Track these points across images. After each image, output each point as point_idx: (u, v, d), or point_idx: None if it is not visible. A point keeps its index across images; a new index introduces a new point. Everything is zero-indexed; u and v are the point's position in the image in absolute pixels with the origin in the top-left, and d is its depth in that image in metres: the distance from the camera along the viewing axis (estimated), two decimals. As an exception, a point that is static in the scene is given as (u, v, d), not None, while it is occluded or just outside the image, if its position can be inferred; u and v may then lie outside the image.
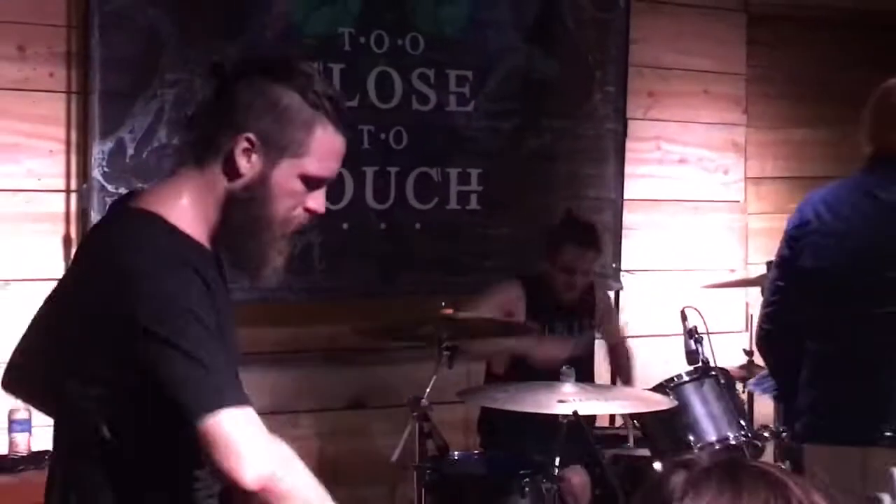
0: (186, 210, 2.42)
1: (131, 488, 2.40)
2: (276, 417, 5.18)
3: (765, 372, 4.86)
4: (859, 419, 3.62)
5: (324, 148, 2.44)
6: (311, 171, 2.44)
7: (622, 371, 5.58)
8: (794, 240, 3.81)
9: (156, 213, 2.40)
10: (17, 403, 4.46)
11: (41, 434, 4.58)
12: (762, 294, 6.50)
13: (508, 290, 5.20)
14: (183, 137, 2.48)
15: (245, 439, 2.28)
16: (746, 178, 6.47)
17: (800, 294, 3.80)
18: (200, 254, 2.43)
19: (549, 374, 4.39)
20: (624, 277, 5.93)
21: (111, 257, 2.38)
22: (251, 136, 2.39)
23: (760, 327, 3.96)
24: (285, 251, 2.51)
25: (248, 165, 2.41)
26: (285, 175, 2.42)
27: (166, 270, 2.33)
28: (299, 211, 2.48)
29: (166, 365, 2.29)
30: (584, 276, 5.22)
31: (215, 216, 2.45)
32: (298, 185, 2.45)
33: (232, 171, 2.41)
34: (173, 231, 2.39)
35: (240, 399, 2.33)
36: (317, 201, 2.48)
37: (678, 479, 1.58)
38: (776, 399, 4.65)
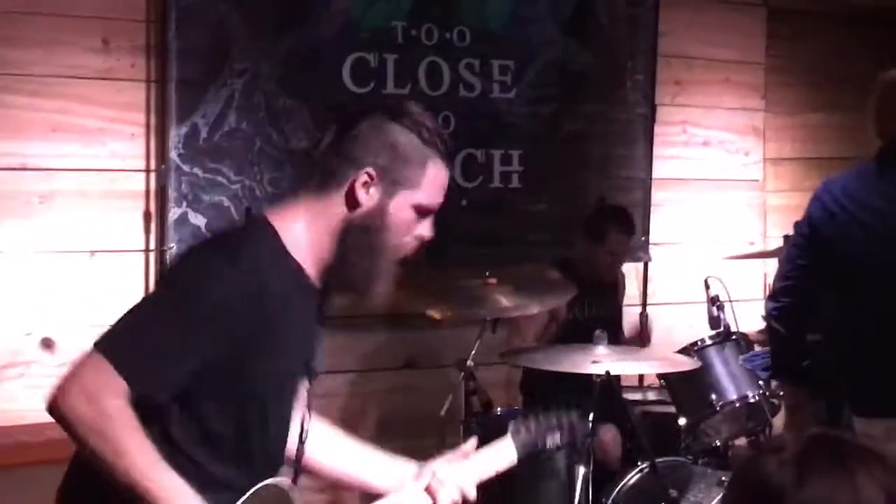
0: (300, 235, 2.48)
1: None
2: (338, 377, 5.27)
3: (757, 350, 4.87)
4: None
5: (435, 181, 2.51)
6: (423, 202, 2.51)
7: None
8: (817, 227, 3.73)
9: (273, 224, 2.48)
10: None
11: (124, 390, 4.69)
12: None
13: (552, 280, 5.15)
14: (305, 169, 2.54)
15: (94, 384, 2.30)
16: (765, 159, 6.48)
17: (829, 277, 3.74)
18: (290, 275, 2.46)
19: (583, 338, 4.44)
20: (652, 249, 5.97)
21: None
22: (371, 170, 2.45)
23: (776, 299, 3.89)
24: (395, 274, 2.56)
25: (367, 197, 2.45)
26: (400, 206, 2.48)
27: (230, 262, 2.37)
28: (410, 238, 2.55)
29: (139, 302, 2.45)
30: (623, 257, 5.29)
31: (328, 242, 2.49)
32: (411, 215, 2.51)
33: (352, 202, 2.46)
34: (276, 247, 2.45)
35: (126, 366, 2.30)
36: (426, 229, 2.56)
37: (783, 469, 1.54)
38: (770, 377, 4.59)
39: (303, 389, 2.65)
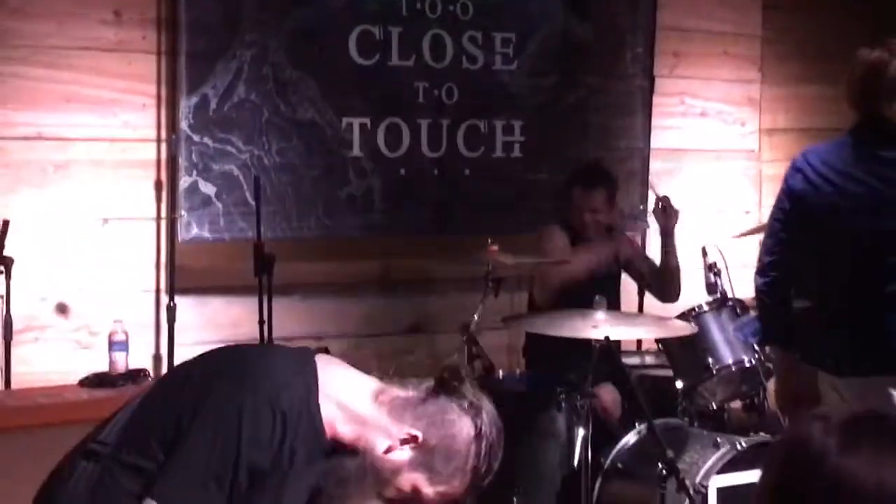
0: (336, 403, 2.42)
1: None
2: (342, 341, 5.29)
3: (745, 319, 4.85)
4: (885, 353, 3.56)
5: (448, 490, 2.42)
6: (424, 494, 2.42)
7: (665, 285, 5.41)
8: (801, 199, 3.68)
9: (318, 369, 2.44)
10: (117, 326, 4.60)
11: (136, 354, 4.70)
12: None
13: (552, 236, 5.18)
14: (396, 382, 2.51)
15: None
16: (761, 130, 6.47)
17: (813, 246, 3.71)
18: (310, 422, 2.40)
19: (586, 304, 4.43)
20: (650, 218, 5.96)
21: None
22: (420, 437, 2.39)
23: (765, 274, 3.84)
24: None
25: (398, 451, 2.40)
26: (409, 480, 2.41)
27: (260, 383, 2.38)
28: (395, 500, 2.45)
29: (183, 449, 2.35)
30: (594, 215, 5.18)
31: (348, 435, 2.43)
32: (407, 491, 2.42)
33: (386, 444, 2.40)
34: (311, 395, 2.39)
35: None
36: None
37: (827, 434, 1.50)
38: (760, 343, 4.59)
39: None
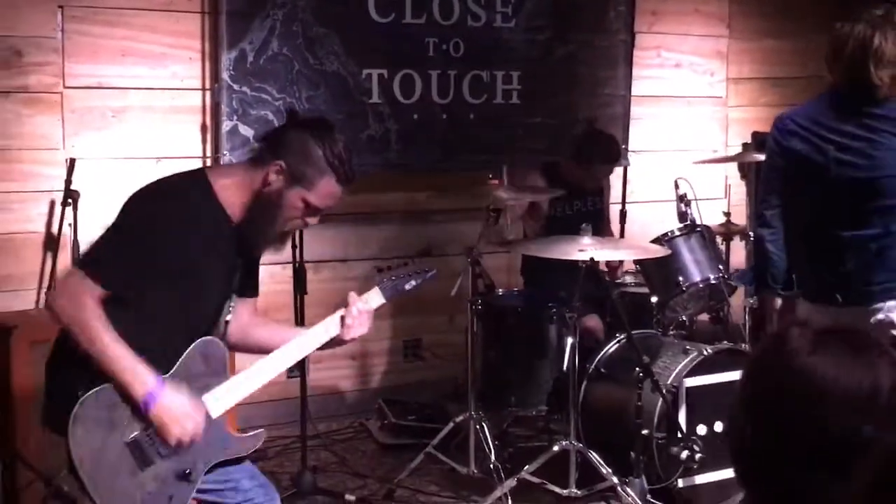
0: (229, 187, 2.80)
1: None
2: (361, 263, 5.31)
3: (743, 269, 4.84)
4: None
5: (324, 190, 2.79)
6: (311, 201, 2.80)
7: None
8: (803, 157, 3.56)
9: (208, 176, 2.83)
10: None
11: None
12: (739, 170, 6.52)
13: (533, 178, 5.14)
14: (255, 143, 2.97)
15: (73, 289, 2.69)
16: (728, 79, 6.42)
17: (816, 199, 3.60)
18: (215, 213, 2.78)
19: (570, 231, 4.42)
20: (631, 156, 5.94)
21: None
22: (282, 163, 2.76)
23: (769, 225, 3.70)
24: (281, 242, 2.92)
25: (274, 179, 2.77)
26: (293, 197, 2.78)
27: (172, 195, 2.78)
28: (297, 221, 2.85)
29: (104, 232, 2.78)
30: (599, 181, 5.26)
31: (245, 200, 2.80)
32: (300, 205, 2.80)
33: (265, 182, 2.78)
34: (210, 190, 2.78)
35: (101, 276, 2.67)
36: (311, 220, 2.85)
37: (801, 337, 1.46)
38: (758, 291, 4.55)
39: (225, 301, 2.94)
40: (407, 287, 3.16)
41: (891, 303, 3.50)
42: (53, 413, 2.76)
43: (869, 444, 1.35)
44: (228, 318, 2.92)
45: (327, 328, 2.97)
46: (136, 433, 2.69)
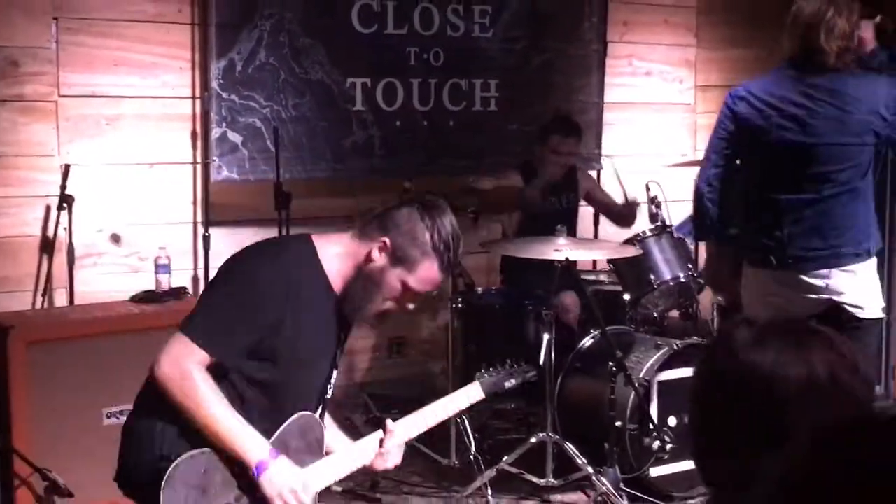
0: (333, 257, 2.64)
1: None
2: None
3: (682, 220, 4.89)
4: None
5: (424, 274, 2.63)
6: (410, 284, 2.63)
7: (624, 218, 5.33)
8: (748, 121, 3.67)
9: (314, 243, 2.65)
10: (161, 252, 4.58)
11: (178, 275, 4.70)
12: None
13: (512, 177, 5.14)
14: (363, 217, 2.76)
15: (179, 355, 2.50)
16: (696, 87, 6.43)
17: (755, 161, 3.71)
18: (317, 281, 2.62)
19: (547, 230, 4.42)
20: (604, 160, 5.94)
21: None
22: (387, 240, 2.61)
23: (709, 183, 3.79)
24: (378, 321, 2.74)
25: (377, 257, 2.61)
26: (393, 277, 2.62)
27: (271, 259, 2.60)
28: (393, 303, 2.67)
29: (206, 293, 2.68)
30: (568, 157, 5.18)
31: (348, 272, 2.64)
32: (399, 287, 2.64)
33: (368, 256, 2.62)
34: (314, 257, 2.62)
35: (203, 339, 2.50)
36: (407, 304, 2.68)
37: (745, 332, 1.47)
38: (696, 239, 4.64)
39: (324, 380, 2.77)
40: (507, 385, 3.10)
41: (835, 273, 3.52)
42: (135, 475, 2.60)
43: (806, 428, 1.35)
44: (329, 395, 2.76)
45: (364, 452, 2.76)
46: (227, 502, 2.54)
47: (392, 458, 2.77)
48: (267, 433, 2.57)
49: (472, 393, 2.98)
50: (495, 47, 5.56)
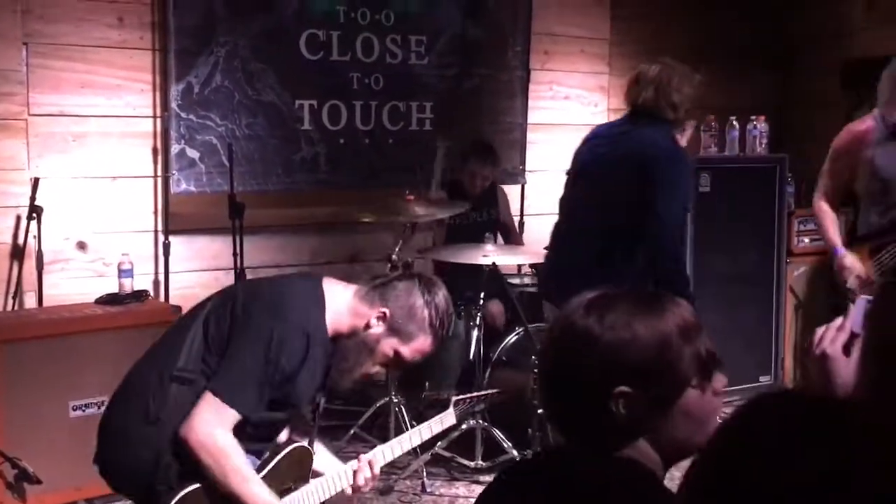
0: (335, 311, 2.56)
1: None
2: (300, 268, 5.25)
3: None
4: None
5: (419, 347, 2.60)
6: (403, 354, 2.60)
7: (512, 239, 5.49)
8: (583, 164, 3.78)
9: (323, 288, 2.57)
10: (124, 258, 4.51)
11: (140, 279, 4.63)
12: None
13: (438, 193, 5.18)
14: (370, 281, 2.66)
15: (209, 417, 2.41)
16: (609, 109, 6.46)
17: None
18: (322, 331, 2.54)
19: (472, 240, 4.44)
20: (528, 175, 5.98)
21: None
22: (387, 312, 2.56)
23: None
24: (356, 384, 2.68)
25: (376, 325, 2.57)
26: (387, 346, 2.58)
27: (297, 316, 2.49)
28: (380, 368, 2.70)
29: (232, 340, 2.48)
30: (484, 179, 5.23)
31: (345, 329, 2.57)
32: (390, 355, 2.60)
33: (367, 323, 2.57)
34: (321, 305, 2.54)
35: (236, 402, 2.43)
36: (394, 371, 2.73)
37: (586, 315, 1.49)
38: None
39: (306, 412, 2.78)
40: (476, 409, 3.17)
41: None
42: (126, 474, 2.54)
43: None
44: (317, 422, 2.73)
45: (337, 480, 2.69)
46: None
47: (365, 483, 2.72)
48: (259, 454, 2.58)
49: (445, 420, 2.92)
50: (430, 73, 5.56)
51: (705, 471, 0.96)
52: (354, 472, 2.69)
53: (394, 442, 2.85)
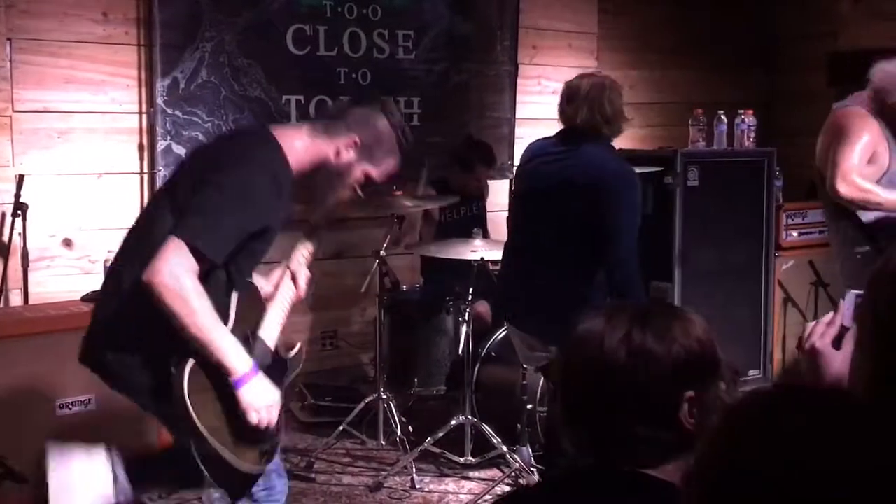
0: (295, 151, 2.62)
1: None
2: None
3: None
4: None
5: (387, 168, 2.74)
6: (373, 176, 2.72)
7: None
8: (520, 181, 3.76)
9: (278, 139, 2.60)
10: (110, 255, 4.49)
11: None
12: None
13: (425, 188, 5.09)
14: (323, 112, 2.81)
15: (175, 259, 2.36)
16: (597, 104, 6.50)
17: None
18: (286, 171, 2.59)
19: (461, 233, 4.44)
20: (515, 170, 5.97)
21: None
22: (357, 139, 2.66)
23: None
24: (329, 213, 2.85)
25: (346, 152, 2.66)
26: (359, 171, 2.70)
27: (259, 165, 2.52)
28: (352, 190, 2.72)
29: (200, 197, 2.47)
30: (483, 180, 5.29)
31: (307, 165, 2.65)
32: (361, 178, 2.72)
33: (336, 152, 2.66)
34: (282, 152, 2.59)
35: (202, 245, 2.39)
36: (364, 192, 2.74)
37: (613, 331, 1.50)
38: None
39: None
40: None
41: None
42: (116, 365, 2.55)
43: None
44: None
45: (285, 296, 2.80)
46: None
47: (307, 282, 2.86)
48: (227, 308, 2.56)
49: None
50: (417, 68, 5.57)
51: (708, 468, 0.95)
52: (293, 281, 2.82)
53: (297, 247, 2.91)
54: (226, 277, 2.56)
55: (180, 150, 4.84)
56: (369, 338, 5.19)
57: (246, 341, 2.57)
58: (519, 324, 3.58)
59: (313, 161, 2.64)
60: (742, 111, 5.41)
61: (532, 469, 4.12)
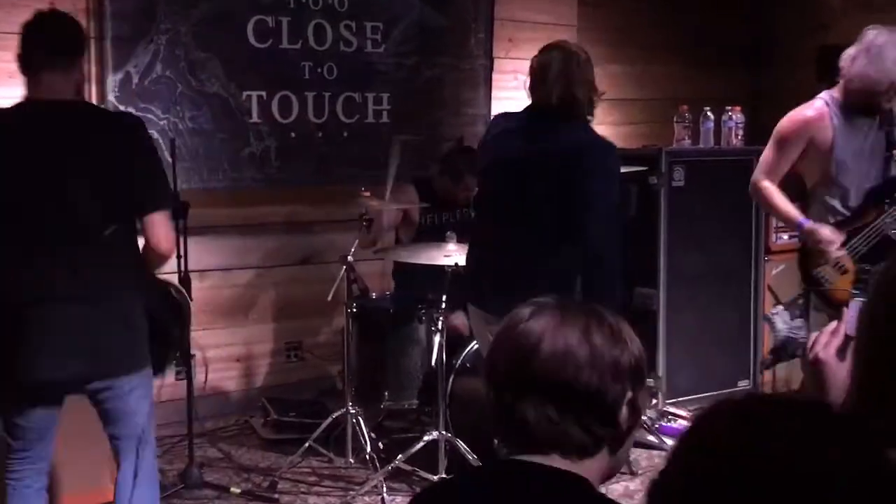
0: None
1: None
2: (249, 271, 5.15)
3: None
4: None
5: None
6: None
7: None
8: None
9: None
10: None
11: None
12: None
13: (407, 192, 4.91)
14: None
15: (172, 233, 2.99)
16: (577, 100, 6.43)
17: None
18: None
19: (437, 239, 4.34)
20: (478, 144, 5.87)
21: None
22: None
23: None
24: None
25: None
26: None
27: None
28: None
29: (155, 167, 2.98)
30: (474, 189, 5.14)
31: None
32: None
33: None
34: None
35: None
36: None
37: (527, 309, 1.61)
38: None
39: None
40: None
41: None
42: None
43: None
44: None
45: None
46: None
47: None
48: None
49: None
50: (387, 62, 5.45)
51: (674, 479, 0.99)
52: None
53: None
54: None
55: (134, 150, 4.70)
56: (336, 349, 5.06)
57: None
58: (484, 305, 3.47)
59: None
60: (729, 108, 5.35)
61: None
